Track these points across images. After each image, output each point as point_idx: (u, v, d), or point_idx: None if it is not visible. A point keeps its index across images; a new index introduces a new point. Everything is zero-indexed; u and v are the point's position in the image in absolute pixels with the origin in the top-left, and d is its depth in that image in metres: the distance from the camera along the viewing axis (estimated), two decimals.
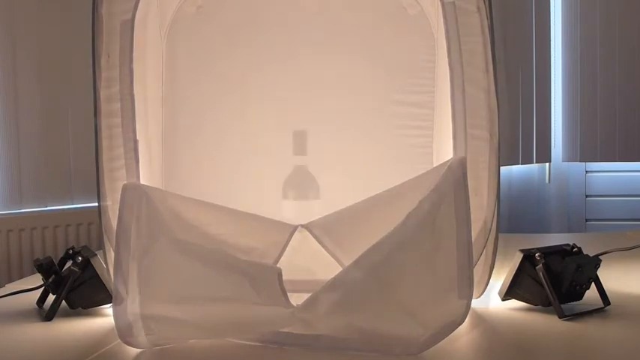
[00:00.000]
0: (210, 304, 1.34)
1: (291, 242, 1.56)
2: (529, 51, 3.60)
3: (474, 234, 1.43)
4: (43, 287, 1.57)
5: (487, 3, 1.50)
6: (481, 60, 1.50)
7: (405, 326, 1.28)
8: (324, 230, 1.51)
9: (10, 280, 2.14)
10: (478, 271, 1.50)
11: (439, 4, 1.52)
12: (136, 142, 1.50)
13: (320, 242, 1.50)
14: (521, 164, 3.63)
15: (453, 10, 1.49)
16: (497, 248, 1.53)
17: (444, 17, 1.50)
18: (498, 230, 1.53)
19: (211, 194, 1.55)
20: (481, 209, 1.49)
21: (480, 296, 1.54)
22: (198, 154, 1.87)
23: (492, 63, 1.50)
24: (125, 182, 1.44)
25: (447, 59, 1.67)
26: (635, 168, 3.72)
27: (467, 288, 1.32)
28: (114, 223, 1.48)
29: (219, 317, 1.33)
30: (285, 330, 1.31)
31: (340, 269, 1.46)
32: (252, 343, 1.32)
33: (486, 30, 1.50)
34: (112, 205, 1.49)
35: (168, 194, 1.51)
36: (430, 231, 1.36)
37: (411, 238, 1.35)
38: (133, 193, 1.40)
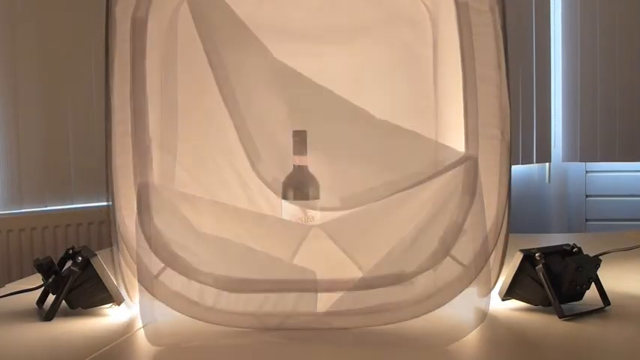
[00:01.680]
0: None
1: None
2: (529, 51, 3.60)
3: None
4: (43, 287, 1.57)
5: (500, 2, 1.51)
6: (493, 58, 1.50)
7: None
8: (339, 231, 1.51)
9: (10, 280, 2.13)
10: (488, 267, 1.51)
11: (452, 3, 1.51)
12: (149, 140, 1.49)
13: (336, 243, 1.51)
14: (521, 164, 3.63)
15: (467, 10, 1.49)
16: (507, 246, 1.53)
17: (458, 17, 1.50)
18: (509, 228, 1.54)
19: (210, 195, 1.54)
20: (492, 207, 1.49)
21: (489, 293, 1.54)
22: (196, 155, 1.86)
23: (504, 61, 1.50)
24: (140, 181, 1.43)
25: (447, 57, 1.67)
26: (635, 168, 3.72)
27: (485, 288, 1.34)
28: (127, 221, 1.47)
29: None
30: (313, 326, 1.34)
31: (355, 268, 1.48)
32: (276, 340, 1.34)
33: (499, 28, 1.50)
34: (125, 205, 1.48)
35: (180, 193, 1.50)
36: (444, 231, 1.37)
37: (426, 239, 1.37)
38: (150, 191, 1.39)
